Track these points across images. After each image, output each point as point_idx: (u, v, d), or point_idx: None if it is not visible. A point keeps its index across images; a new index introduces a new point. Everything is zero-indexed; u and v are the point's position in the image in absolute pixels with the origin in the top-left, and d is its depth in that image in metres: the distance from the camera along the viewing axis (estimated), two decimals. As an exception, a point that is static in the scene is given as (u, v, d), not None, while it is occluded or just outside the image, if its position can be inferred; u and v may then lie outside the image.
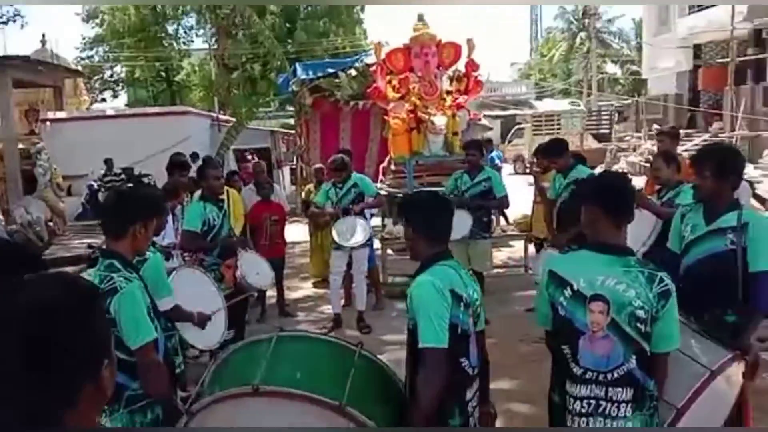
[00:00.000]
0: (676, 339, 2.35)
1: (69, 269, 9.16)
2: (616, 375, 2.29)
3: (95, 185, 14.16)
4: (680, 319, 2.39)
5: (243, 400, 2.39)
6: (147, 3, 28.56)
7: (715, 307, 2.97)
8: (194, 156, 8.74)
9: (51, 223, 12.06)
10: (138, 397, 2.60)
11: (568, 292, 2.35)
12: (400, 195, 9.11)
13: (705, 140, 20.20)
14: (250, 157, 13.85)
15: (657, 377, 2.35)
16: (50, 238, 11.56)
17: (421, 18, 9.87)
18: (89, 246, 8.75)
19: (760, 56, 20.35)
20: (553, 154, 5.95)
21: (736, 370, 2.53)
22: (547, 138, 23.07)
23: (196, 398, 2.54)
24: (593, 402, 2.31)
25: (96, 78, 34.84)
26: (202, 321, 3.65)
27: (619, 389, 2.29)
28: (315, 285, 8.22)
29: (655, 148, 19.31)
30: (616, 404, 2.29)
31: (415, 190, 8.75)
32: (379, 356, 2.93)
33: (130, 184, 10.38)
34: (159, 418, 2.64)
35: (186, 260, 5.39)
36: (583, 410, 2.32)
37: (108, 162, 13.65)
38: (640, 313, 2.26)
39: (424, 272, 2.47)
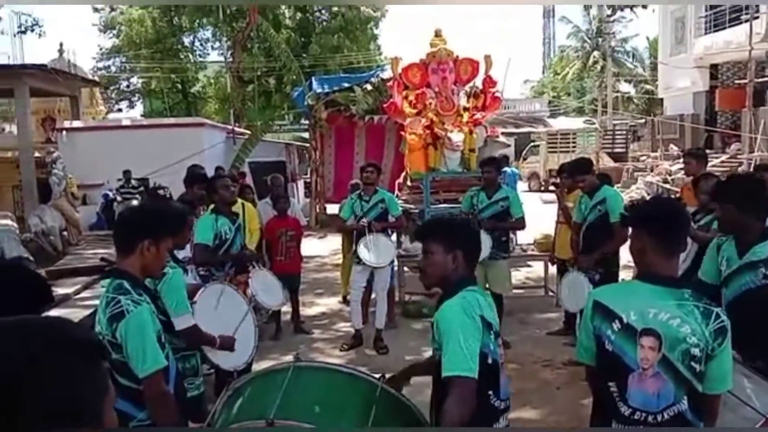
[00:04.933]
0: (730, 380, 2.20)
1: (81, 279, 9.10)
2: (666, 416, 2.13)
3: (111, 195, 14.17)
4: (733, 357, 2.24)
5: (256, 436, 2.27)
6: (163, 3, 28.59)
7: (764, 345, 2.80)
8: (219, 170, 8.68)
9: (65, 233, 12.03)
10: (144, 428, 2.45)
11: (616, 326, 2.19)
12: (416, 211, 9.03)
13: (723, 161, 20.00)
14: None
15: (708, 421, 2.19)
16: (64, 248, 11.52)
17: (438, 33, 9.82)
18: (102, 258, 8.66)
19: (779, 78, 20.18)
20: (579, 173, 5.80)
21: None
22: (562, 156, 23.20)
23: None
24: None
25: (112, 88, 35.06)
26: (225, 346, 3.45)
27: None
28: (345, 300, 8.03)
29: (673, 168, 19.20)
30: None
31: (432, 206, 8.67)
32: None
33: (145, 197, 10.37)
34: None
35: (201, 276, 5.30)
36: None
37: (126, 173, 13.67)
38: (695, 351, 2.11)
39: (452, 297, 2.32)
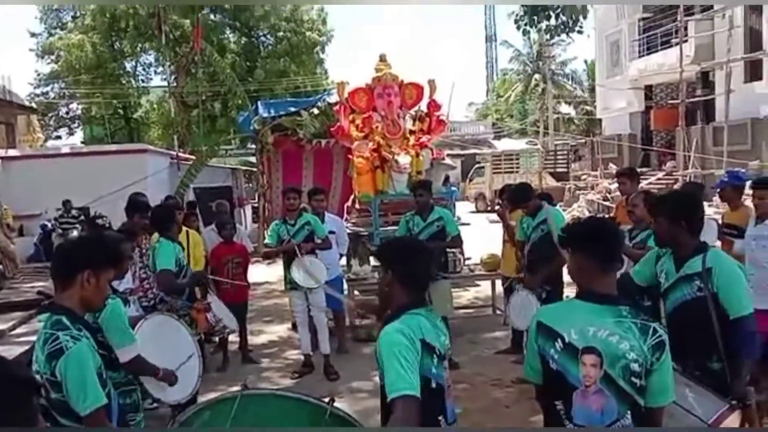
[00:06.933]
0: (672, 392, 2.27)
1: (18, 314, 8.73)
2: None
3: (49, 225, 13.68)
4: (673, 367, 2.32)
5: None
6: (145, 3, 27.79)
7: (698, 355, 2.92)
8: (168, 199, 8.48)
9: (0, 266, 11.53)
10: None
11: (559, 345, 2.24)
12: (365, 234, 9.04)
13: (659, 179, 20.81)
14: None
15: None
16: (0, 282, 11.03)
17: (382, 58, 9.93)
18: (39, 292, 8.33)
19: (708, 97, 21.19)
20: (520, 201, 5.93)
21: (733, 420, 2.48)
22: (506, 176, 23.70)
23: None
24: None
25: (51, 115, 34.06)
26: (166, 378, 3.38)
27: None
28: (295, 326, 7.88)
29: (612, 187, 19.84)
30: None
31: (381, 228, 8.70)
32: (348, 408, 2.82)
33: (85, 227, 10.06)
34: None
35: (144, 307, 5.18)
36: None
37: (66, 203, 13.22)
38: (635, 366, 2.17)
39: (394, 321, 2.33)
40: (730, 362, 2.88)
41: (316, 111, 14.15)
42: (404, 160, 9.21)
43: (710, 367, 2.92)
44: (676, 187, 18.29)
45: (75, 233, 11.77)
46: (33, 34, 32.70)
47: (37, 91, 32.99)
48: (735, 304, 2.91)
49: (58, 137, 35.16)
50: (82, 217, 12.81)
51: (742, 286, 2.98)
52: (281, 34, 29.79)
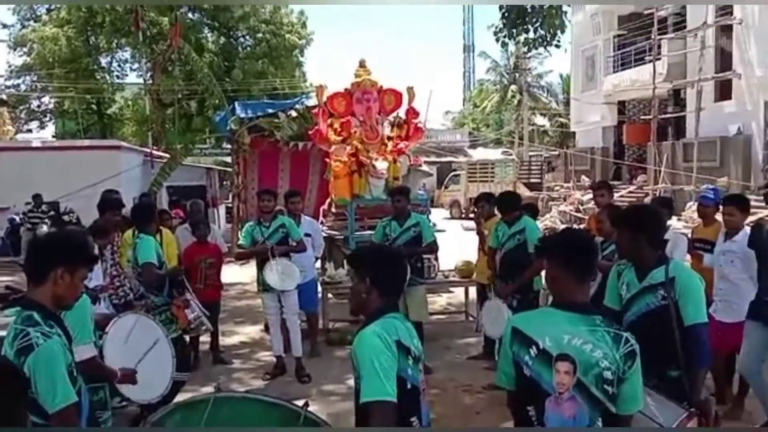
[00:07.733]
0: (641, 400, 2.33)
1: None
2: None
3: (17, 219, 13.42)
4: None
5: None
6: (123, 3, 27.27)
7: (658, 363, 2.99)
8: (143, 197, 8.45)
9: (-36, 260, 11.28)
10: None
11: (533, 351, 2.28)
12: (340, 237, 9.04)
13: (630, 192, 21.17)
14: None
15: None
16: (-37, 276, 10.78)
17: (362, 64, 9.96)
18: (7, 287, 8.14)
19: (680, 114, 21.65)
20: (508, 209, 5.94)
21: (691, 427, 2.56)
22: (481, 185, 23.83)
23: None
24: None
25: (22, 108, 33.42)
26: (125, 379, 3.31)
27: None
28: (267, 328, 7.85)
29: (584, 198, 20.13)
30: None
31: (356, 232, 8.70)
32: (320, 411, 2.82)
33: (54, 222, 9.90)
34: None
35: (114, 305, 5.13)
36: None
37: (36, 197, 12.99)
38: (607, 374, 2.22)
39: (369, 325, 2.35)
40: (687, 370, 3.00)
41: (293, 113, 14.12)
42: (381, 165, 9.25)
43: (669, 375, 3.02)
44: (646, 200, 18.65)
45: (44, 228, 11.57)
46: (5, 26, 32.16)
47: (8, 83, 32.38)
48: (692, 312, 3.04)
49: (29, 131, 34.57)
50: (52, 212, 12.60)
51: (700, 296, 3.12)
52: (260, 35, 29.72)
